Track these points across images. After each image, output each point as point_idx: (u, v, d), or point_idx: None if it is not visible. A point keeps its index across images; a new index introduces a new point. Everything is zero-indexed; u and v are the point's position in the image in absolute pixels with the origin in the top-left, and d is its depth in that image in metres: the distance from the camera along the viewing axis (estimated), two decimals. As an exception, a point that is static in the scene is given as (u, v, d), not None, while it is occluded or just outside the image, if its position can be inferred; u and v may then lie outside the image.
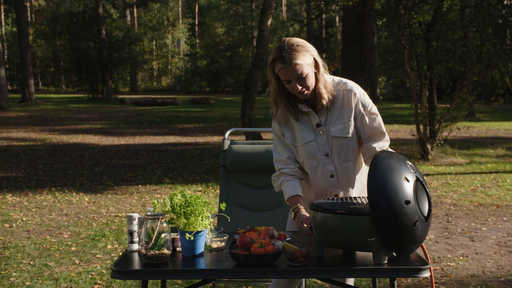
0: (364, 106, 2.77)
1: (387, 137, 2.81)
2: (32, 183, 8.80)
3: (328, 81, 2.76)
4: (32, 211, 6.99)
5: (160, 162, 10.88)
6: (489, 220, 6.45)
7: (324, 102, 2.72)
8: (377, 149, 2.73)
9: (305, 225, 2.65)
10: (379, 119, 2.81)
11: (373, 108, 2.80)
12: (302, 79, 2.65)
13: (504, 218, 6.51)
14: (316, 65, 2.70)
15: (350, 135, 2.76)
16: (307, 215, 2.68)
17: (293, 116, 2.78)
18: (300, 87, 2.66)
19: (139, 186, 8.64)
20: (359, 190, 2.91)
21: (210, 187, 8.41)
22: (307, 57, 2.65)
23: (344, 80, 2.81)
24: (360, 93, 2.77)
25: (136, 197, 7.82)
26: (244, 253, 2.34)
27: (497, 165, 10.39)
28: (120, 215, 6.75)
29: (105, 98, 31.92)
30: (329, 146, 2.78)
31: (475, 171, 9.88)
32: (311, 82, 2.68)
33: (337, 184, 2.82)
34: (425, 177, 9.12)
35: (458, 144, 13.20)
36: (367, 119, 2.77)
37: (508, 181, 8.87)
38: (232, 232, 2.88)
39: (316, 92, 2.71)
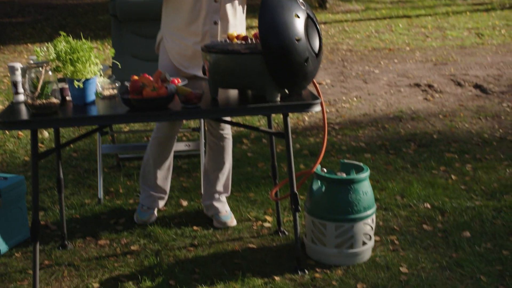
0: None
1: None
2: None
3: None
4: None
5: (50, 19, 10.22)
6: (382, 63, 6.70)
7: None
8: None
9: None
10: None
11: None
12: None
13: (395, 61, 6.79)
14: None
15: None
16: None
17: None
18: None
19: (28, 44, 8.16)
20: (240, 27, 2.84)
21: (106, 43, 8.08)
22: None
23: None
24: None
25: (26, 56, 7.41)
26: (136, 98, 2.28)
27: (390, 11, 10.64)
28: (9, 74, 6.40)
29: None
30: None
31: (370, 17, 10.08)
32: None
33: (218, 10, 2.73)
34: (322, 26, 9.22)
35: (355, -8, 13.29)
36: None
37: (400, 25, 9.14)
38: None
39: None
